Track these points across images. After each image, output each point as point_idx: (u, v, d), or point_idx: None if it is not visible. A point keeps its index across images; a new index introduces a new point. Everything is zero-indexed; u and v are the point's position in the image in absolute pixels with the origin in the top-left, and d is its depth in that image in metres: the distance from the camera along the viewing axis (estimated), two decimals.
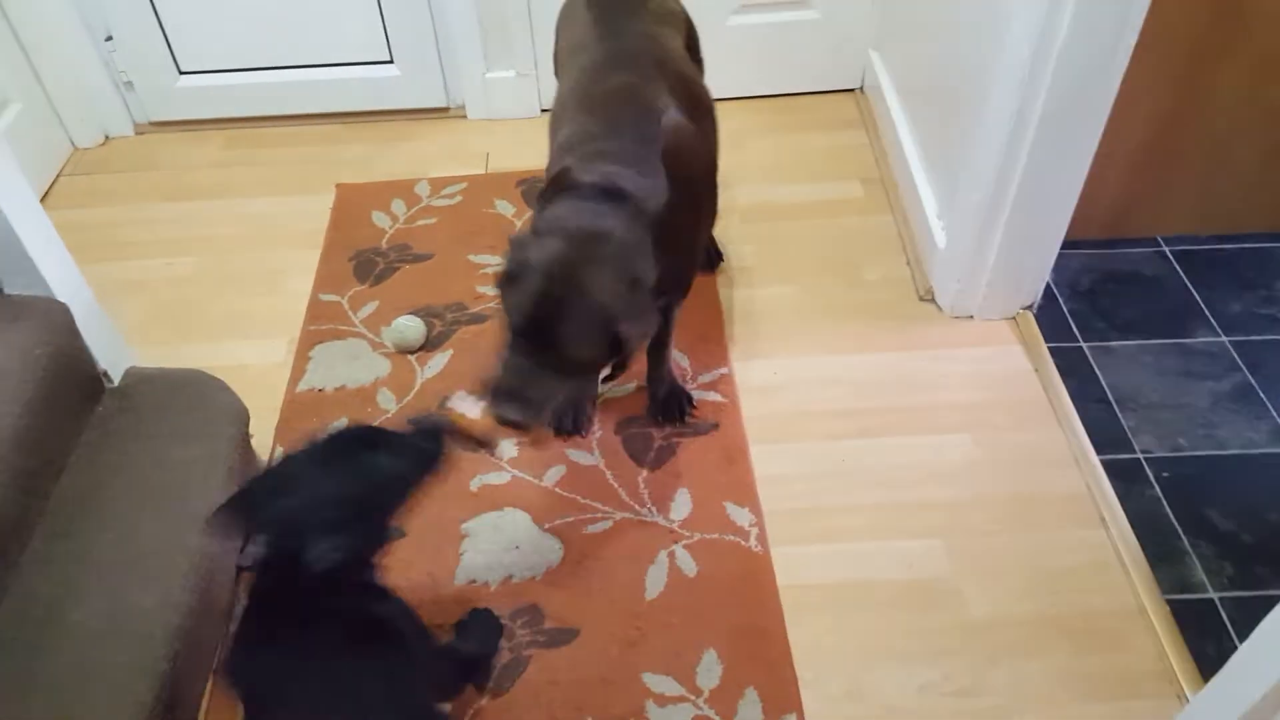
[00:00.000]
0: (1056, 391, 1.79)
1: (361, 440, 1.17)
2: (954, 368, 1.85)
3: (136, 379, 1.59)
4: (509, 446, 1.72)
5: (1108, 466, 1.66)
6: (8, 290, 1.47)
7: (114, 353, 1.60)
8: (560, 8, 1.78)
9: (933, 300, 1.97)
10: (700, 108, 1.57)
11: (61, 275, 1.50)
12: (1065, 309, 1.96)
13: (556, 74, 1.75)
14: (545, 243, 1.32)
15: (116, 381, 1.58)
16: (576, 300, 1.28)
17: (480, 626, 1.47)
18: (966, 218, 1.81)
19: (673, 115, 1.46)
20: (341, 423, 1.23)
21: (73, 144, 2.51)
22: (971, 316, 1.94)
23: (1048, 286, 1.95)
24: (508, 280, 1.34)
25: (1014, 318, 1.94)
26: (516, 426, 1.30)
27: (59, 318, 1.47)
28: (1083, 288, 2.01)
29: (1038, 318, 1.92)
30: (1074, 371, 1.83)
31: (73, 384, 1.49)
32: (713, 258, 2.07)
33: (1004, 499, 1.64)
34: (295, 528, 1.07)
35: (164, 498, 1.43)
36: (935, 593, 1.52)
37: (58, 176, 2.43)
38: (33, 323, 1.44)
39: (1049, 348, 1.87)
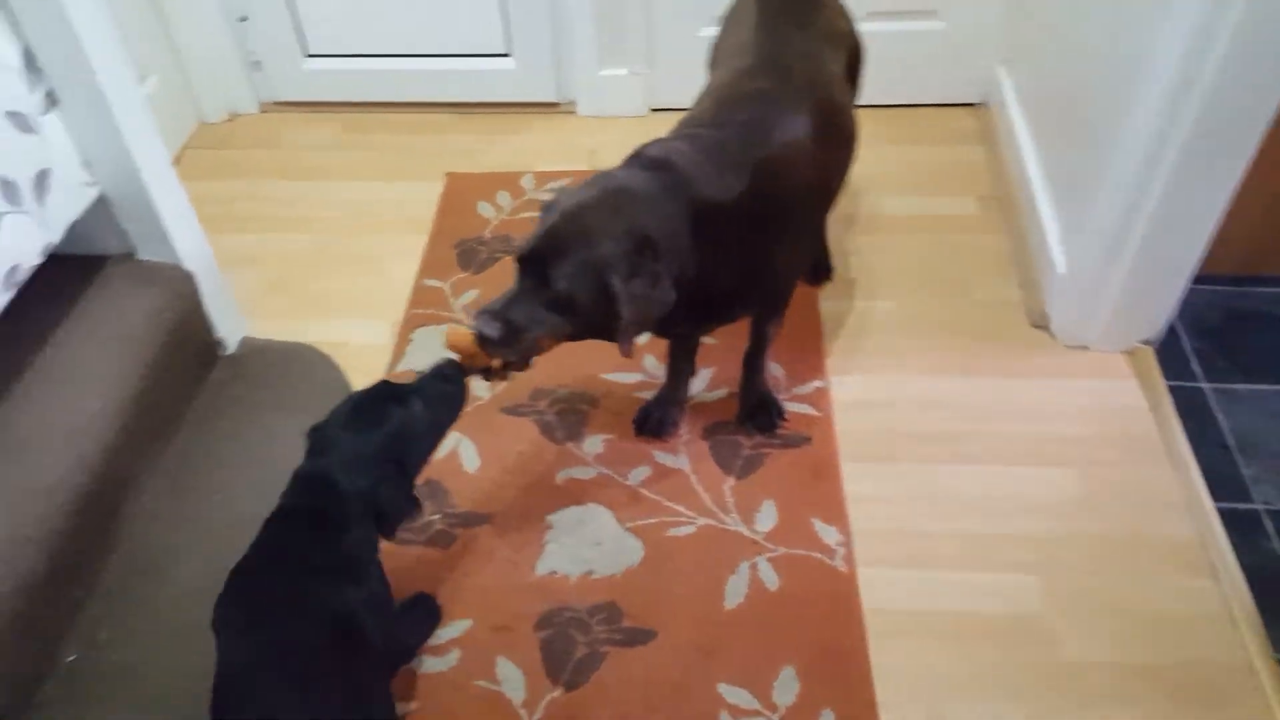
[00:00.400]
0: (1172, 432, 1.70)
1: (384, 396, 1.27)
2: (1064, 399, 1.78)
3: (250, 349, 1.66)
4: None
5: (1223, 515, 1.57)
6: (141, 256, 1.54)
7: (231, 323, 1.66)
8: (729, 3, 1.78)
9: (1045, 327, 1.90)
10: (836, 137, 1.55)
11: (190, 245, 1.57)
12: (1188, 346, 1.87)
13: (709, 68, 1.76)
14: (579, 189, 1.35)
15: (231, 350, 1.65)
16: (575, 238, 1.28)
17: (421, 611, 1.48)
18: (1091, 243, 1.74)
19: (793, 132, 1.45)
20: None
21: (201, 118, 2.62)
22: (1086, 347, 1.86)
23: (1171, 322, 1.86)
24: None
25: (1132, 351, 1.85)
26: (493, 345, 1.29)
27: (185, 286, 1.53)
28: (1209, 325, 1.90)
29: (1158, 353, 1.83)
30: (1193, 413, 1.74)
31: (192, 349, 1.56)
32: (820, 271, 2.03)
33: (1107, 539, 1.57)
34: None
35: (267, 466, 1.48)
36: (1027, 630, 1.46)
37: (184, 149, 2.54)
38: (160, 288, 1.51)
39: (1168, 385, 1.78)
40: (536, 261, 1.29)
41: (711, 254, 1.37)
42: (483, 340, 1.29)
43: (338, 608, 1.17)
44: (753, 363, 1.71)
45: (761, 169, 1.40)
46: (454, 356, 1.34)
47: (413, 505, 1.31)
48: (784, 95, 1.48)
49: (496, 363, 1.34)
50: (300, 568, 1.19)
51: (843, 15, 1.72)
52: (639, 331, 1.36)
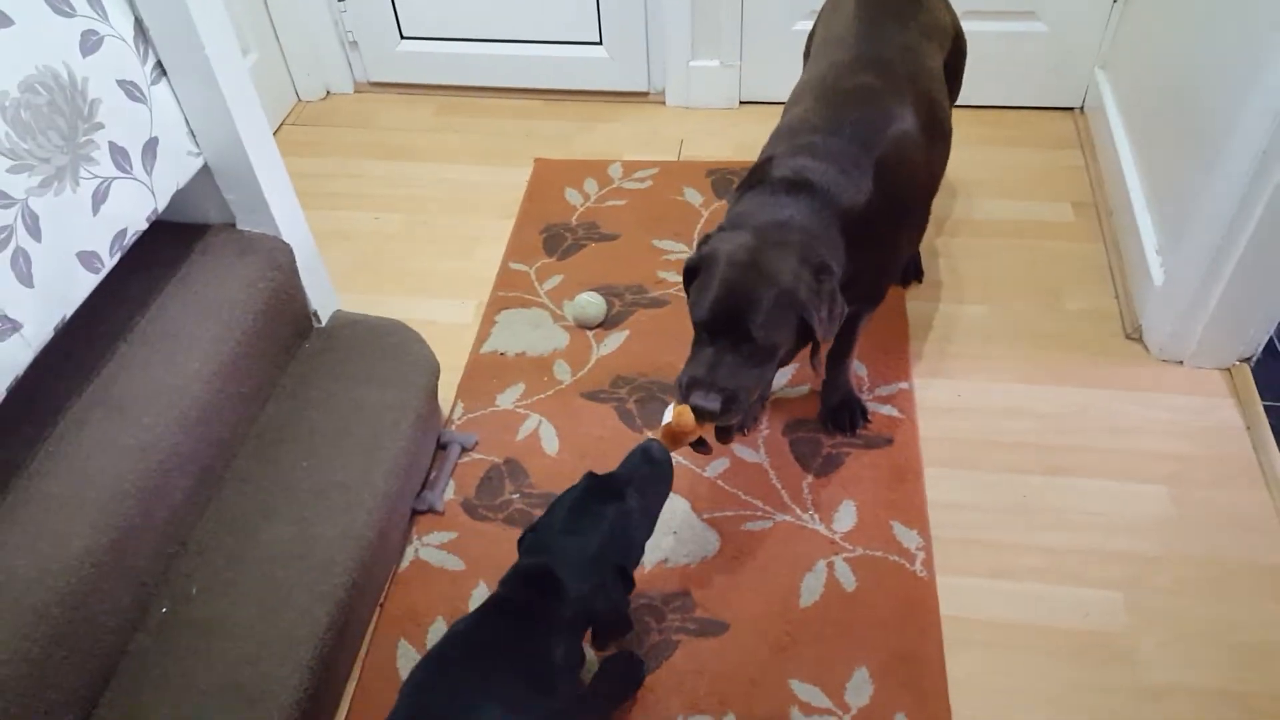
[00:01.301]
0: (1269, 454, 1.64)
1: (598, 493, 1.24)
2: (1156, 414, 1.73)
3: (342, 322, 1.69)
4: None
5: None
6: (240, 226, 1.58)
7: (324, 296, 1.69)
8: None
9: (1140, 339, 1.85)
10: (936, 131, 1.54)
11: (288, 218, 1.60)
12: None
13: (805, 58, 1.76)
14: (729, 235, 1.34)
15: (324, 322, 1.68)
16: (762, 285, 1.27)
17: (623, 666, 1.40)
18: (1191, 256, 1.69)
19: (902, 127, 1.45)
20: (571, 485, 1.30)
21: (298, 96, 2.68)
22: (1182, 362, 1.80)
23: (1270, 340, 1.79)
24: (691, 274, 1.36)
25: (1229, 369, 1.79)
26: (716, 417, 1.29)
27: (282, 257, 1.57)
28: None
29: (1255, 372, 1.77)
30: None
31: (286, 319, 1.59)
32: (909, 273, 2.01)
33: (1197, 560, 1.52)
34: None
35: (356, 436, 1.51)
36: (1109, 649, 1.42)
37: (281, 125, 2.60)
38: (259, 258, 1.54)
39: (1265, 406, 1.72)
40: (727, 318, 1.28)
41: (854, 256, 1.39)
42: (706, 416, 1.28)
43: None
44: (839, 361, 1.69)
45: (880, 168, 1.40)
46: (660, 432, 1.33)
47: (627, 622, 1.28)
48: (887, 91, 1.47)
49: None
50: (503, 663, 1.15)
51: (945, 8, 1.70)
52: None
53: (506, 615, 1.19)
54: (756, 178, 1.42)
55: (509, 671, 1.14)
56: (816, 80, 1.56)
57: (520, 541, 1.27)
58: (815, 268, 1.31)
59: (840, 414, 1.72)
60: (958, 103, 2.37)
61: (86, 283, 1.26)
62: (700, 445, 1.38)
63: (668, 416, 1.32)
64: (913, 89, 1.50)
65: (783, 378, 1.82)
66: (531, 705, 1.13)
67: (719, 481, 1.66)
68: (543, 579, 1.17)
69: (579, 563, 1.18)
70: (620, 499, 1.23)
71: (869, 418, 1.73)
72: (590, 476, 1.27)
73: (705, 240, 1.38)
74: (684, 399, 1.30)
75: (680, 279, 1.99)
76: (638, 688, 1.40)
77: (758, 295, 1.27)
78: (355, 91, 2.71)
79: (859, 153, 1.40)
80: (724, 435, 1.46)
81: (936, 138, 1.54)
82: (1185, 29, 1.84)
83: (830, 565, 1.53)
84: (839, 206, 1.37)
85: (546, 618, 1.17)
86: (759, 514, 1.61)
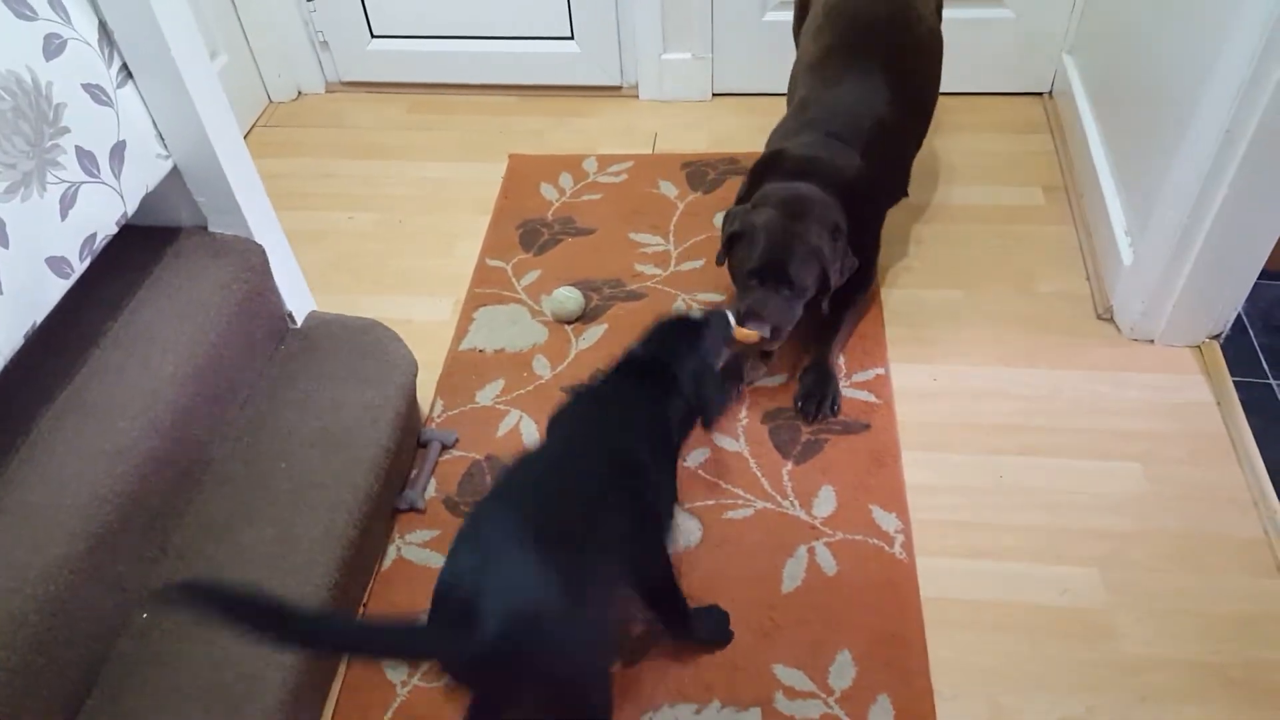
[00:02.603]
0: (1239, 428, 1.67)
1: (686, 323, 1.45)
2: (1129, 393, 1.75)
3: (318, 322, 1.68)
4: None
5: None
6: (212, 229, 1.57)
7: (299, 296, 1.69)
8: None
9: (1111, 320, 1.87)
10: (918, 110, 1.91)
11: (261, 219, 1.59)
12: (1256, 342, 1.83)
13: (797, 37, 2.08)
14: (764, 211, 1.68)
15: (300, 323, 1.68)
16: (797, 243, 1.64)
17: (713, 619, 1.46)
18: (1158, 236, 1.71)
19: (883, 111, 1.79)
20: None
21: (269, 97, 2.67)
22: (1152, 341, 1.83)
23: (1239, 317, 1.82)
24: (735, 239, 1.71)
25: (1199, 346, 1.82)
26: (768, 342, 1.67)
27: (255, 259, 1.56)
28: (1278, 321, 1.86)
29: (1225, 349, 1.80)
30: (1260, 409, 1.70)
31: (261, 321, 1.58)
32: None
33: (1172, 535, 1.54)
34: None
35: (335, 436, 1.51)
36: (1088, 624, 1.44)
37: (253, 127, 2.58)
38: (232, 260, 1.54)
39: (1235, 381, 1.74)
40: (774, 269, 1.64)
41: (851, 218, 1.72)
42: (753, 340, 1.63)
43: (637, 456, 1.25)
44: (827, 338, 1.81)
45: (867, 145, 1.76)
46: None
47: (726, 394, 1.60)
48: (875, 73, 1.80)
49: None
50: (623, 412, 1.31)
51: None
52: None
53: (638, 383, 1.35)
54: (772, 165, 1.77)
55: (642, 425, 1.30)
56: (816, 62, 1.88)
57: (627, 353, 1.41)
58: (832, 229, 1.66)
59: (809, 400, 1.74)
60: None
61: (56, 288, 1.25)
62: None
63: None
64: (896, 68, 1.82)
65: (762, 365, 1.83)
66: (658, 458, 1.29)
67: (700, 471, 1.67)
68: (664, 368, 1.35)
69: (695, 365, 1.38)
70: (702, 332, 1.44)
71: (837, 411, 1.74)
72: (681, 313, 1.49)
73: (737, 215, 1.72)
74: (741, 324, 1.61)
75: (656, 270, 2.03)
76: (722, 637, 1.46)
77: (794, 250, 1.64)
78: (327, 91, 2.70)
79: (851, 135, 1.76)
80: (764, 356, 1.84)
81: (915, 115, 1.90)
82: (1149, 14, 1.86)
83: (811, 550, 1.54)
84: (841, 178, 1.71)
85: (668, 398, 1.33)
86: (740, 502, 1.62)
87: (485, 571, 1.03)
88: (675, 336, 1.42)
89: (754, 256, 1.65)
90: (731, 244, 1.72)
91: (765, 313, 1.63)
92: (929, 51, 1.92)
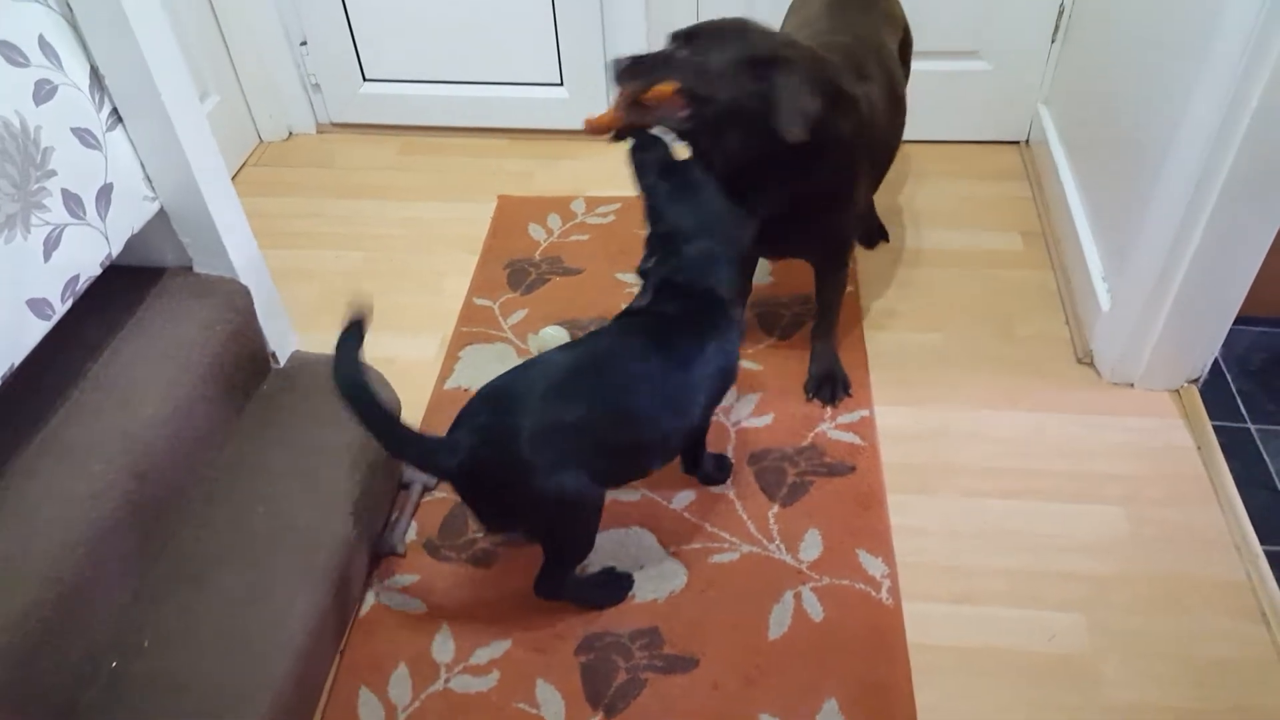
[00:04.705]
0: (1219, 472, 1.68)
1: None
2: (1109, 436, 1.76)
3: (300, 362, 1.68)
4: None
5: (1272, 559, 1.54)
6: (198, 269, 1.57)
7: (283, 336, 1.68)
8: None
9: (1091, 364, 1.89)
10: (892, 98, 1.75)
11: (246, 260, 1.59)
12: (1233, 387, 1.84)
13: None
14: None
15: (283, 363, 1.67)
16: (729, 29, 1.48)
17: (720, 464, 1.72)
18: (1134, 282, 1.73)
19: (872, 82, 1.65)
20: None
21: (260, 137, 2.68)
22: (1132, 385, 1.84)
23: (1216, 362, 1.84)
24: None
25: (1178, 390, 1.83)
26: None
27: (240, 299, 1.56)
28: (1254, 366, 1.88)
29: (1203, 393, 1.81)
30: (1239, 453, 1.72)
31: (244, 361, 1.58)
32: (874, 235, 2.18)
33: (1154, 579, 1.54)
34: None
35: (315, 478, 1.50)
36: (1074, 669, 1.44)
37: (243, 166, 2.59)
38: (216, 300, 1.54)
39: (1213, 426, 1.76)
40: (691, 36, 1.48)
41: (830, 142, 1.51)
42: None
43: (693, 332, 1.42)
44: (824, 330, 1.86)
45: (864, 96, 1.59)
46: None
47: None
48: (858, 53, 1.68)
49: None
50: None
51: (898, 4, 1.91)
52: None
53: (677, 296, 1.43)
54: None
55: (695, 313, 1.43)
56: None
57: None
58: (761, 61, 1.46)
59: (824, 385, 1.84)
60: (912, 137, 2.45)
61: (37, 330, 1.24)
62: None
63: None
64: (875, 61, 1.69)
65: (746, 408, 1.83)
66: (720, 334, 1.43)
67: (685, 514, 1.66)
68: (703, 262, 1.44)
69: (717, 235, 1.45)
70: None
71: (850, 391, 1.85)
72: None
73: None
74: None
75: None
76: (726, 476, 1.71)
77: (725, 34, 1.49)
78: (318, 132, 2.71)
79: (852, 71, 1.61)
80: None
81: (895, 106, 1.77)
82: (1120, 66, 1.91)
83: (798, 596, 1.53)
84: (829, 73, 1.52)
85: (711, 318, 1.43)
86: (725, 546, 1.61)
87: (491, 406, 1.36)
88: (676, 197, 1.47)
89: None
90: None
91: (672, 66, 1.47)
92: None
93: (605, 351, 1.41)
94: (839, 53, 1.63)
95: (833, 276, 1.82)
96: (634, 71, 1.48)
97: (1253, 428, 1.77)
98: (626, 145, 1.52)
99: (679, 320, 1.41)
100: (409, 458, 1.48)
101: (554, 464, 1.30)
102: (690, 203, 1.45)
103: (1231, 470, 1.68)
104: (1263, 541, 1.57)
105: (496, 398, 1.37)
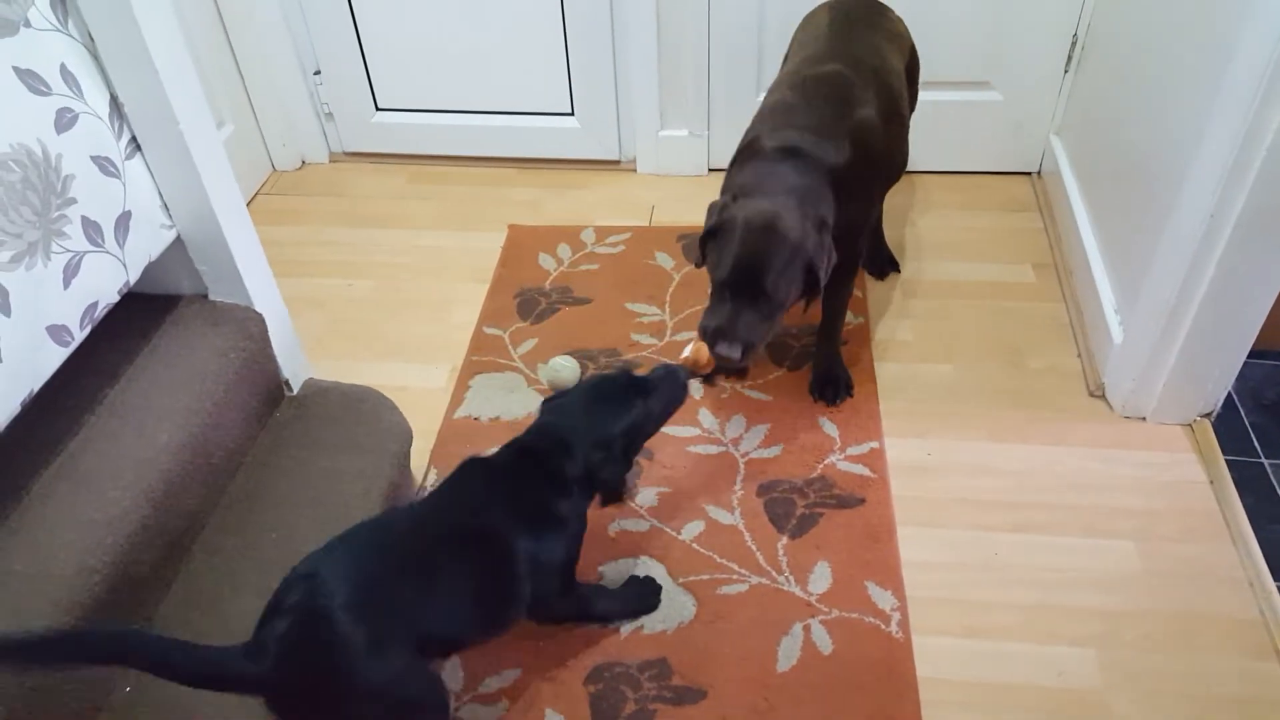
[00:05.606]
0: (1232, 507, 1.67)
1: (626, 385, 1.41)
2: (1122, 470, 1.75)
3: (313, 390, 1.68)
4: (649, 495, 1.74)
5: None
6: (213, 297, 1.59)
7: (296, 364, 1.69)
8: (803, 17, 1.96)
9: (1103, 397, 1.89)
10: (897, 116, 1.76)
11: (261, 288, 1.60)
12: (1247, 421, 1.84)
13: (783, 64, 1.96)
14: (741, 203, 1.54)
15: (296, 390, 1.68)
16: (775, 245, 1.49)
17: (639, 589, 1.57)
18: (1147, 315, 1.73)
19: (867, 106, 1.65)
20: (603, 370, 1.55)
21: (273, 166, 2.71)
22: (1144, 418, 1.84)
23: (1229, 396, 1.83)
24: (710, 237, 1.56)
25: (1190, 424, 1.83)
26: (735, 363, 1.55)
27: (254, 327, 1.57)
28: (1267, 400, 1.88)
29: (1216, 427, 1.81)
30: (1252, 488, 1.71)
31: (258, 389, 1.59)
32: (885, 266, 2.18)
33: (1167, 615, 1.53)
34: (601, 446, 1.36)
35: (327, 505, 1.50)
36: (1084, 705, 1.43)
37: (256, 194, 2.62)
38: (231, 328, 1.55)
39: (1227, 460, 1.75)
40: (746, 276, 1.49)
41: (838, 212, 1.59)
42: (727, 362, 1.54)
43: (503, 533, 1.28)
44: (828, 334, 1.88)
45: (854, 136, 1.60)
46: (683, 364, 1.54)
47: (622, 491, 1.48)
48: (854, 76, 1.67)
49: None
50: (512, 489, 1.32)
51: (901, 22, 1.92)
52: None
53: (524, 457, 1.36)
54: (750, 152, 1.62)
55: (516, 499, 1.31)
56: (792, 71, 1.76)
57: (545, 404, 1.44)
58: (816, 223, 1.52)
59: (827, 386, 1.87)
60: (923, 168, 2.46)
61: (56, 356, 1.26)
62: (709, 379, 1.75)
63: (687, 352, 1.70)
64: (875, 80, 1.70)
65: (755, 439, 1.83)
66: (535, 532, 1.30)
67: (694, 545, 1.66)
68: (557, 440, 1.35)
69: (596, 437, 1.35)
70: (645, 397, 1.40)
71: (852, 391, 1.89)
72: (624, 372, 1.45)
73: (718, 209, 1.57)
74: (711, 347, 1.54)
75: (652, 339, 2.04)
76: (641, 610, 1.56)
77: (772, 255, 1.49)
78: (331, 161, 2.74)
79: (835, 124, 1.60)
80: (711, 378, 1.82)
81: (896, 121, 1.76)
82: (1133, 97, 1.92)
83: (807, 628, 1.52)
84: (827, 167, 1.56)
85: (556, 471, 1.34)
86: (734, 577, 1.60)
87: (295, 599, 1.14)
88: (587, 404, 1.39)
89: (726, 262, 1.51)
90: (706, 243, 1.58)
91: (735, 331, 1.51)
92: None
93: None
94: (826, 85, 1.66)
95: (840, 288, 1.83)
96: None
97: (1266, 462, 1.76)
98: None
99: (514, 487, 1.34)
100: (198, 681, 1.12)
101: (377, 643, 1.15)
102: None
103: (1245, 505, 1.67)
104: (1276, 578, 1.56)
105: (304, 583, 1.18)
